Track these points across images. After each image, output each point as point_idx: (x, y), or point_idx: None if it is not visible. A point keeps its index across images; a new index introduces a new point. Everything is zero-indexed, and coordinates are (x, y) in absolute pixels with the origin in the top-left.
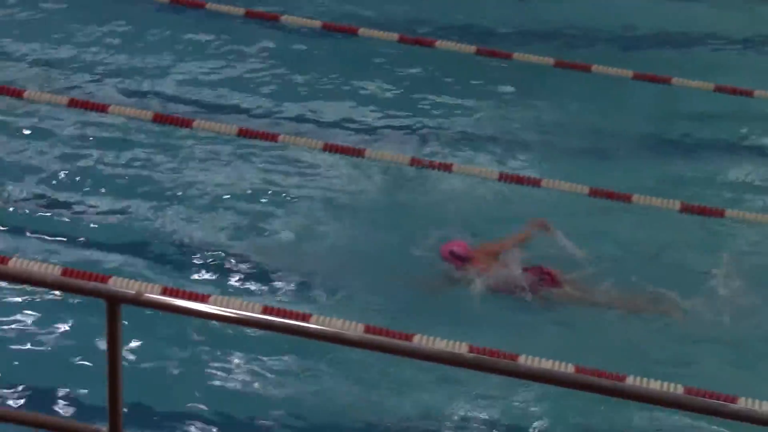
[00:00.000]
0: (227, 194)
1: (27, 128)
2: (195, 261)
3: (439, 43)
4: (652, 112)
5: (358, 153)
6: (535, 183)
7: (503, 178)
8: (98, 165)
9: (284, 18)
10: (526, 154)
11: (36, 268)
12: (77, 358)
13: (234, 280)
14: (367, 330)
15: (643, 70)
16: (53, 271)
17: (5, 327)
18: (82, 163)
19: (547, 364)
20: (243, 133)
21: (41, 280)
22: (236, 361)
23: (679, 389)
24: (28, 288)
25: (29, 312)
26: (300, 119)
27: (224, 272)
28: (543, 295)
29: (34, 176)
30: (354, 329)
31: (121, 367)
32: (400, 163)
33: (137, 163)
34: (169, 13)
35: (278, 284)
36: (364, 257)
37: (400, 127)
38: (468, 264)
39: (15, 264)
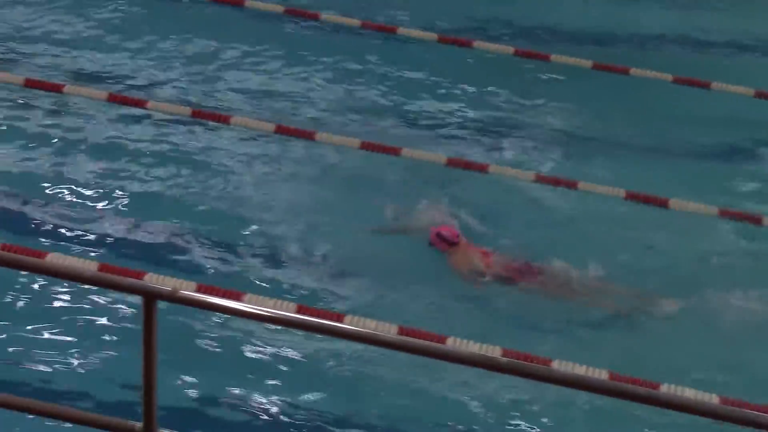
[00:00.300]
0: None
1: (67, 125)
2: (227, 257)
3: (477, 44)
4: (691, 117)
5: (392, 151)
6: (572, 185)
7: (539, 179)
8: (133, 161)
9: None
10: (562, 156)
11: (73, 263)
12: (111, 353)
13: (265, 277)
14: (401, 331)
15: (682, 74)
16: (90, 266)
17: (41, 322)
18: (118, 159)
19: (580, 370)
20: (281, 130)
21: (79, 275)
22: (270, 358)
23: (714, 399)
24: (66, 283)
25: (65, 306)
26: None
27: (256, 268)
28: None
29: (71, 172)
30: (388, 330)
31: (156, 363)
32: (434, 161)
33: (172, 160)
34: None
35: (309, 283)
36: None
37: (428, 124)
38: (453, 249)
39: (52, 259)
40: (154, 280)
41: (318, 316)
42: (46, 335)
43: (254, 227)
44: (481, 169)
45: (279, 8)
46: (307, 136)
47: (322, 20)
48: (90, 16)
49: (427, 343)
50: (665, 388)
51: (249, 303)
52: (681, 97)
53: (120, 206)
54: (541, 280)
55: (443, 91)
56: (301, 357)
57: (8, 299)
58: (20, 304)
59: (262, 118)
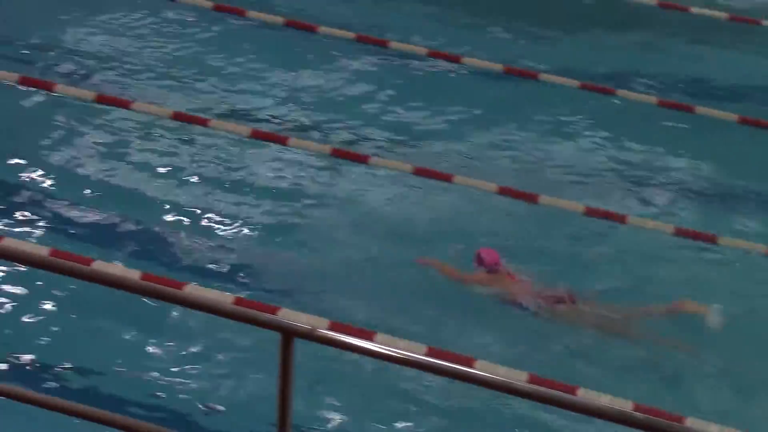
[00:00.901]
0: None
1: (210, 158)
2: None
3: (620, 92)
4: None
5: (530, 198)
6: (711, 239)
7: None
8: (266, 196)
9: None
10: (701, 208)
11: (211, 295)
12: (242, 384)
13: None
14: (532, 380)
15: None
16: (226, 298)
17: (177, 352)
18: (252, 193)
19: (605, 399)
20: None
21: (218, 309)
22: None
23: None
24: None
25: (198, 335)
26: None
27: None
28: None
29: (210, 204)
30: (519, 378)
31: (291, 398)
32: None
33: (307, 196)
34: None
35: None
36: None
37: (563, 170)
38: (492, 273)
39: (190, 290)
40: (288, 315)
41: (448, 359)
42: (174, 365)
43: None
44: (621, 220)
45: (423, 50)
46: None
47: (462, 62)
48: (231, 55)
49: (559, 393)
50: (689, 422)
51: (380, 343)
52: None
53: (251, 238)
54: (577, 308)
55: (583, 137)
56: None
57: (144, 328)
58: (155, 332)
59: (402, 156)
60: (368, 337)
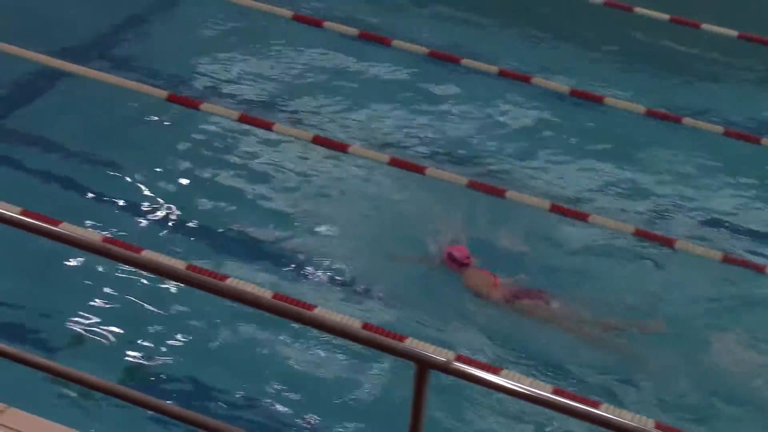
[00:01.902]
0: None
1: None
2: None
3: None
4: None
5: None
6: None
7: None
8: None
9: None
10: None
11: (339, 319)
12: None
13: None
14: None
15: None
16: (354, 323)
17: (309, 374)
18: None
19: (627, 417)
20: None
21: (352, 335)
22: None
23: None
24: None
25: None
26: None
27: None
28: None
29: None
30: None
31: (423, 429)
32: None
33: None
34: None
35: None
36: None
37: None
38: (464, 269)
39: (319, 312)
40: (423, 346)
41: (573, 399)
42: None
43: None
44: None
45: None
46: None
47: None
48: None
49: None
50: None
51: (506, 378)
52: None
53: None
54: (549, 307)
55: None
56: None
57: (263, 344)
58: (273, 353)
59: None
60: (495, 372)
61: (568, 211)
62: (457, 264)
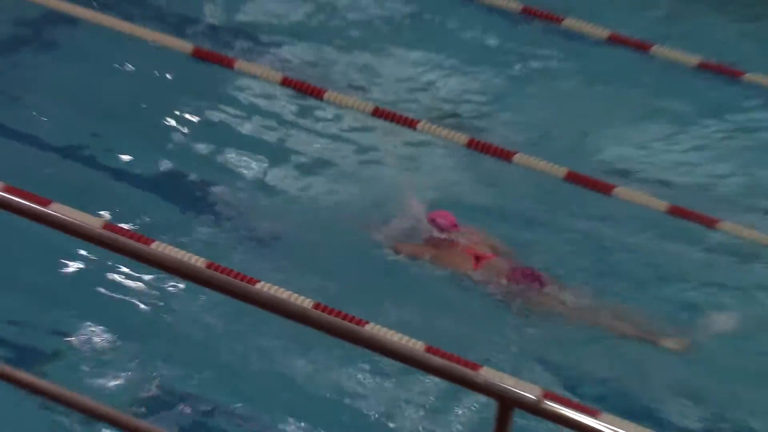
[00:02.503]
0: None
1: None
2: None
3: None
4: None
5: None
6: None
7: None
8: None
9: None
10: None
11: (398, 339)
12: None
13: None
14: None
15: None
16: (421, 347)
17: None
18: None
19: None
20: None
21: (425, 364)
22: None
23: None
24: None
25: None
26: None
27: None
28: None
29: None
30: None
31: None
32: None
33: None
34: None
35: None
36: None
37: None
38: (448, 234)
39: (373, 330)
40: (510, 382)
41: None
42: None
43: None
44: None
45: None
46: None
47: None
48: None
49: None
50: None
51: (606, 422)
52: None
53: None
54: (546, 291)
55: None
56: None
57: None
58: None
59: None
60: (593, 415)
61: (590, 181)
62: (443, 230)
